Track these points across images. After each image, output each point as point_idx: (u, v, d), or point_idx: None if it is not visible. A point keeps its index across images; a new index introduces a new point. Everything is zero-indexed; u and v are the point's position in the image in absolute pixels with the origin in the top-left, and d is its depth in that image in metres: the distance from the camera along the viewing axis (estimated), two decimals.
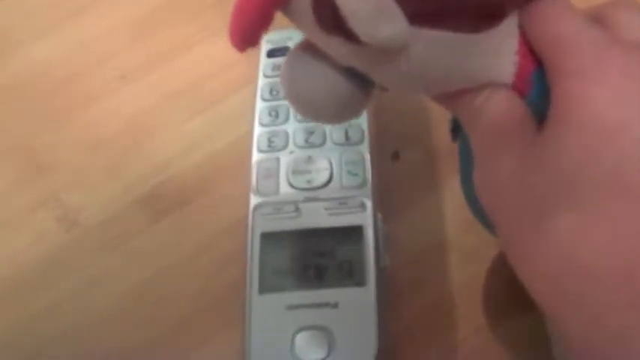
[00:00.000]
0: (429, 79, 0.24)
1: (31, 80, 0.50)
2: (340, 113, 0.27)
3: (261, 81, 0.44)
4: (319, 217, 0.38)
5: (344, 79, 0.25)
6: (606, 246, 0.22)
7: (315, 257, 0.37)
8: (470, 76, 0.25)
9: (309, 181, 0.39)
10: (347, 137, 0.40)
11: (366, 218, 0.38)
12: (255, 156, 0.41)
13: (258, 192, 0.39)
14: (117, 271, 0.41)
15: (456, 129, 0.32)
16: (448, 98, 0.27)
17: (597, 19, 0.25)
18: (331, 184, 0.39)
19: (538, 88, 0.25)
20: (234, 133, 0.45)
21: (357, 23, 0.21)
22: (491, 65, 0.25)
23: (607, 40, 0.24)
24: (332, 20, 0.22)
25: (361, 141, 0.40)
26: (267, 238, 0.38)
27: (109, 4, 0.53)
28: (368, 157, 0.40)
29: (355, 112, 0.27)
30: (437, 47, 0.23)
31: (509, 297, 0.37)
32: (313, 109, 0.26)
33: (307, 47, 0.26)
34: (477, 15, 0.23)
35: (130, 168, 0.45)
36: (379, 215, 0.38)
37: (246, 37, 0.23)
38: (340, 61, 0.24)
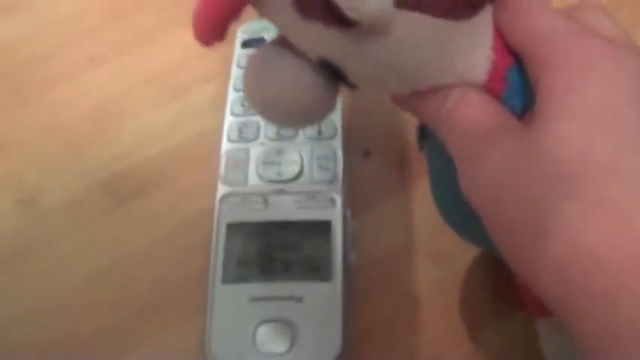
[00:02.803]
0: (404, 68, 0.24)
1: None
2: (306, 114, 0.26)
3: (235, 71, 0.44)
4: (287, 210, 0.38)
5: (313, 77, 0.24)
6: (611, 231, 0.22)
7: (281, 250, 0.37)
8: (444, 69, 0.25)
9: (278, 174, 0.39)
10: (319, 132, 0.40)
11: (335, 213, 0.37)
12: (225, 146, 0.40)
13: (226, 182, 0.39)
14: (77, 255, 0.40)
15: (423, 138, 0.32)
16: (418, 103, 0.26)
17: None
18: (301, 178, 0.39)
19: (514, 86, 0.25)
20: (204, 122, 0.44)
21: None
22: (466, 58, 0.25)
23: (588, 32, 0.24)
24: (312, 1, 0.22)
25: (334, 136, 0.40)
26: (233, 228, 0.37)
27: None
28: (340, 152, 0.40)
29: (320, 115, 0.27)
30: (416, 31, 0.23)
31: (487, 301, 0.38)
32: (279, 108, 0.25)
33: (275, 45, 0.25)
34: (456, 1, 0.23)
35: (94, 152, 0.44)
36: (348, 211, 0.38)
37: (213, 31, 0.23)
38: (314, 51, 0.24)
